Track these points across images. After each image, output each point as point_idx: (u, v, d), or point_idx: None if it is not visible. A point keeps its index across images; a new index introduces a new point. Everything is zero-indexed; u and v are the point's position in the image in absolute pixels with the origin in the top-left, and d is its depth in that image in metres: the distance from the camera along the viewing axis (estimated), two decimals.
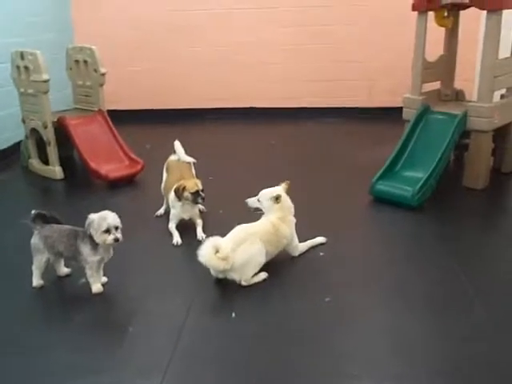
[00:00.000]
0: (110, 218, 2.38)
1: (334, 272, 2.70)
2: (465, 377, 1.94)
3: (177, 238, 3.02)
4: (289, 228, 2.76)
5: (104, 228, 2.36)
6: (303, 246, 2.88)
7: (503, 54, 3.78)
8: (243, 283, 2.55)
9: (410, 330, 2.22)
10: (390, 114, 4.94)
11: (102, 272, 2.53)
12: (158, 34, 5.93)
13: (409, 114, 3.87)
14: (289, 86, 6.02)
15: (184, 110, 6.06)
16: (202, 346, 2.15)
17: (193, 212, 3.16)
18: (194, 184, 3.07)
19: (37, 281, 2.55)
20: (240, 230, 2.63)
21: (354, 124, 5.70)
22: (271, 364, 2.03)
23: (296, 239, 2.82)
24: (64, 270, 2.65)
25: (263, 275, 2.60)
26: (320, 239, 2.95)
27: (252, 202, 2.81)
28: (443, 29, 4.10)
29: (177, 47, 5.97)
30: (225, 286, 2.57)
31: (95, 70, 4.29)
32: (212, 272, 2.57)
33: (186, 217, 3.15)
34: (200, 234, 3.06)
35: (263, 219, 2.76)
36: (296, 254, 2.83)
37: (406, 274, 2.69)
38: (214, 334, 2.24)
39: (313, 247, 2.91)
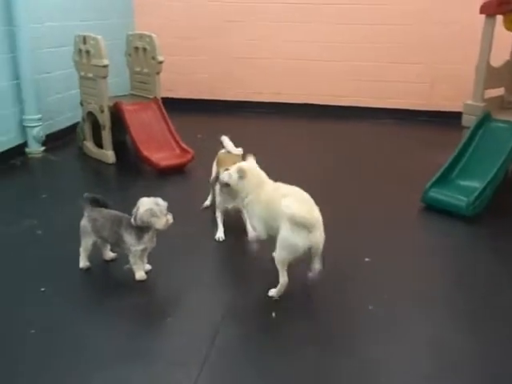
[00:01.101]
0: (160, 201, 2.41)
1: (378, 279, 2.63)
2: None
3: (220, 234, 3.00)
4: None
5: (165, 211, 2.39)
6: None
7: None
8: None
9: (452, 346, 2.14)
10: (448, 119, 4.78)
11: (145, 260, 2.56)
12: (217, 25, 5.95)
13: (468, 121, 3.72)
14: (345, 84, 5.93)
15: (238, 102, 6.06)
16: (240, 342, 2.14)
17: (235, 203, 3.02)
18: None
19: (83, 262, 2.60)
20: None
21: (409, 127, 5.56)
22: (306, 367, 2.00)
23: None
24: (110, 255, 2.70)
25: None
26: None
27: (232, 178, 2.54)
28: (510, 33, 3.92)
29: (235, 39, 5.97)
30: (266, 285, 2.55)
31: (153, 58, 4.34)
32: (298, 240, 2.26)
33: (228, 206, 3.07)
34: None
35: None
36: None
37: (454, 286, 2.60)
38: (252, 332, 2.22)
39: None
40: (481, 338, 2.20)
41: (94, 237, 2.55)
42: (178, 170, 4.05)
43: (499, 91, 4.04)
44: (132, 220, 2.40)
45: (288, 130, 5.45)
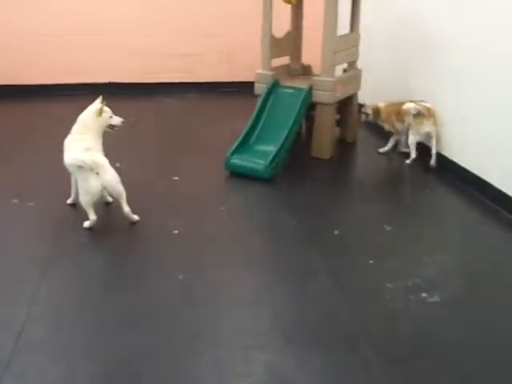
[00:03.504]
0: None
1: (188, 249, 2.72)
2: (313, 339, 2.09)
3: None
4: None
5: None
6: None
7: (344, 31, 4.02)
8: None
9: (264, 300, 2.34)
10: (249, 89, 5.03)
11: None
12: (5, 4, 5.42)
13: (260, 89, 3.97)
14: (148, 60, 5.83)
15: (33, 86, 5.62)
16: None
17: None
18: None
19: None
20: None
21: (214, 99, 5.71)
22: (124, 347, 2.02)
23: None
24: None
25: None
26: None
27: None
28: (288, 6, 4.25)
29: (21, 17, 5.50)
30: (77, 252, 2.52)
31: None
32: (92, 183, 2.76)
33: None
34: None
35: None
36: None
37: (259, 246, 2.81)
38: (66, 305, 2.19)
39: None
40: (285, 289, 2.45)
41: None
42: None
43: (286, 60, 4.38)
44: None
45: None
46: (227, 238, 2.85)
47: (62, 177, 3.04)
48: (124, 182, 2.84)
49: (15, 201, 3.12)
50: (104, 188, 2.79)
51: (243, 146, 3.70)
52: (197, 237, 2.84)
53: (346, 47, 3.96)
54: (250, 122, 3.80)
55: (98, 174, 2.74)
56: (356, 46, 4.11)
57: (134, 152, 3.92)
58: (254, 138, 3.78)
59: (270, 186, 3.47)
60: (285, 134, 3.62)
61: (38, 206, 3.08)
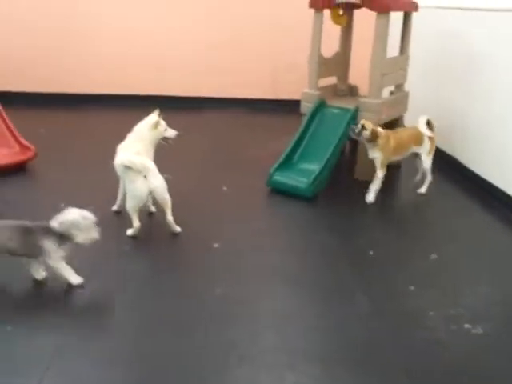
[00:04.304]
0: (88, 214, 2.34)
1: (226, 263, 2.74)
2: (348, 361, 2.06)
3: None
4: None
5: (92, 227, 2.33)
6: None
7: (393, 53, 4.01)
8: None
9: (299, 319, 2.32)
10: (293, 107, 5.06)
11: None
12: (56, 13, 5.64)
13: (306, 108, 3.99)
14: (192, 74, 5.97)
15: (82, 96, 5.82)
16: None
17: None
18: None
19: None
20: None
21: (258, 116, 5.77)
22: (159, 356, 2.03)
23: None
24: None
25: None
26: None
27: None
28: (338, 27, 4.26)
29: (74, 28, 5.71)
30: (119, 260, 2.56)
31: None
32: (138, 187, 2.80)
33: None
34: None
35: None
36: None
37: (296, 264, 2.80)
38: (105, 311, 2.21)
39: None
40: (319, 310, 2.43)
41: None
42: (18, 169, 3.80)
43: (333, 80, 4.38)
44: (55, 225, 2.29)
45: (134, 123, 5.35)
46: (265, 254, 2.85)
47: (110, 184, 3.12)
48: (169, 192, 2.89)
49: (62, 205, 3.20)
50: (150, 193, 2.81)
51: (286, 163, 3.71)
52: (235, 252, 2.85)
53: (395, 70, 3.94)
54: (294, 140, 3.82)
55: (145, 177, 2.76)
56: (404, 68, 4.09)
57: (178, 164, 3.98)
58: (297, 156, 3.79)
59: (311, 205, 3.46)
60: (329, 153, 3.61)
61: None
